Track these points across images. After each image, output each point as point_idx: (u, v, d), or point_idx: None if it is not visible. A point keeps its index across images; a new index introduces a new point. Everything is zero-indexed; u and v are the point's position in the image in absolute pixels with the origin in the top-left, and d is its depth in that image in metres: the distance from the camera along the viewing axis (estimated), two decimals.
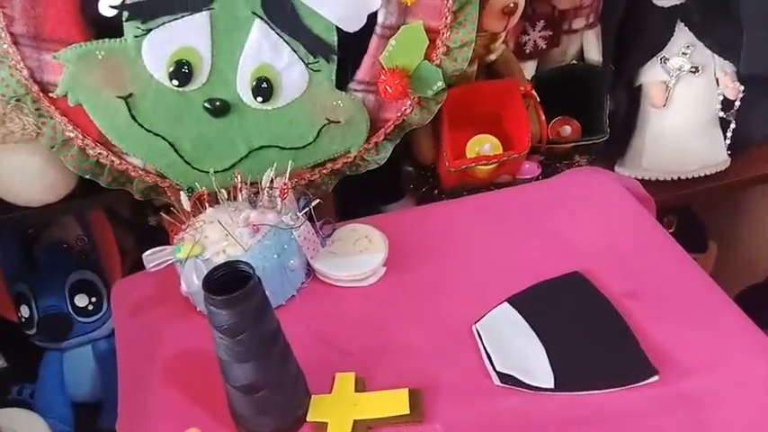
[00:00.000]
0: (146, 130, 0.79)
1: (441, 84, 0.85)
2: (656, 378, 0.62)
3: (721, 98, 1.05)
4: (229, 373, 0.57)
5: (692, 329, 0.67)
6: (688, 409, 0.60)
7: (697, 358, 0.64)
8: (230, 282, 0.54)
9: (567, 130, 1.08)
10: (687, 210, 1.35)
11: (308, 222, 0.77)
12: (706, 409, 0.60)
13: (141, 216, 1.14)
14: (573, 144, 1.05)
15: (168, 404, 0.68)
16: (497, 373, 0.65)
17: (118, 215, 1.14)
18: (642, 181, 1.05)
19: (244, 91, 0.79)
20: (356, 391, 0.65)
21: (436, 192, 1.06)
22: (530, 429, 0.60)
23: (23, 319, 1.07)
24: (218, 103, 0.79)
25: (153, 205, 1.04)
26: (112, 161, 0.81)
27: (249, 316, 0.53)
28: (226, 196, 0.76)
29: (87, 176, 0.82)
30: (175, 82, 0.76)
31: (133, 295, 0.85)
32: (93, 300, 1.09)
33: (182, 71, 0.76)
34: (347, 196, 1.01)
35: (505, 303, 0.72)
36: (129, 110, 0.77)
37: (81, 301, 1.08)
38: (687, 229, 1.30)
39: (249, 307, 0.53)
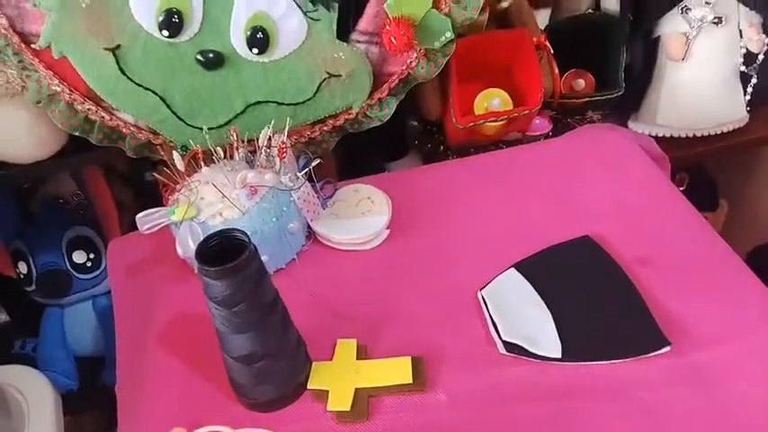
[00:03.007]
0: (135, 83, 0.74)
1: (449, 34, 0.80)
2: (667, 349, 0.60)
3: (744, 51, 0.99)
4: (227, 343, 0.55)
5: (706, 298, 0.65)
6: (700, 382, 0.58)
7: (711, 328, 0.62)
8: (226, 250, 0.52)
9: (581, 83, 1.03)
10: (699, 166, 1.31)
11: (308, 183, 0.74)
12: (719, 381, 0.58)
13: (139, 171, 1.11)
14: (586, 99, 1.00)
15: (167, 369, 0.67)
16: (503, 341, 0.63)
17: (114, 170, 1.11)
18: (656, 137, 1.02)
19: (238, 42, 0.75)
20: (358, 358, 0.63)
21: (442, 148, 1.02)
22: (536, 399, 0.59)
23: (22, 276, 1.05)
24: (211, 55, 0.74)
25: (150, 160, 1.01)
26: (102, 117, 0.77)
27: (245, 286, 0.51)
28: (222, 155, 0.72)
29: (77, 133, 0.78)
30: (165, 32, 0.72)
31: (130, 255, 0.83)
32: (92, 256, 1.07)
33: (172, 21, 0.71)
34: (349, 154, 0.98)
35: (512, 269, 0.70)
36: (118, 62, 0.73)
37: (79, 257, 1.06)
38: (698, 187, 1.26)
39: (245, 277, 0.50)
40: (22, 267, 1.04)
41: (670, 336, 0.61)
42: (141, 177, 1.10)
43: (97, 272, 1.07)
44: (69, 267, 1.04)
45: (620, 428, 0.56)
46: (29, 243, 1.05)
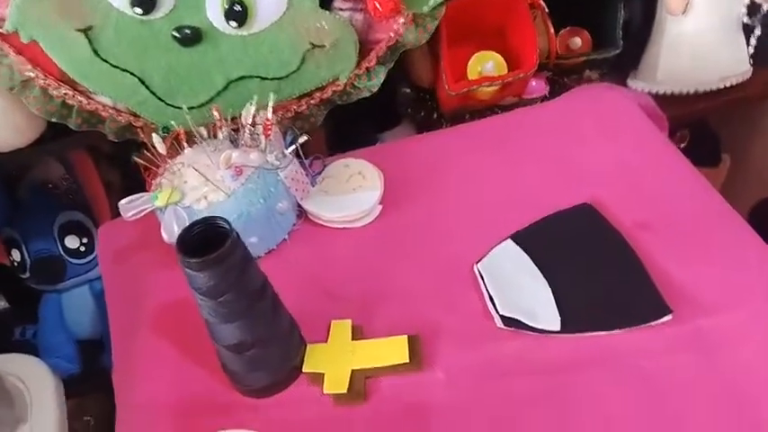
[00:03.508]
0: (111, 65, 0.71)
1: None
2: (669, 317, 0.59)
3: (747, 1, 0.95)
4: (216, 333, 0.54)
5: (708, 262, 0.63)
6: (702, 350, 0.57)
7: (713, 294, 0.60)
8: (209, 238, 0.50)
9: (578, 42, 0.99)
10: (701, 121, 1.28)
11: (295, 160, 0.72)
12: (721, 349, 0.56)
13: (125, 151, 1.09)
14: (583, 58, 0.97)
15: (159, 354, 0.66)
16: (500, 316, 0.61)
17: (100, 151, 1.09)
18: (657, 95, 0.98)
19: (215, 15, 0.71)
20: (353, 339, 0.62)
21: (436, 116, 0.99)
22: (535, 373, 0.58)
23: (16, 264, 1.04)
24: (187, 32, 0.71)
25: (136, 141, 0.98)
26: (80, 101, 0.74)
27: (230, 276, 0.49)
28: (205, 135, 0.70)
29: (54, 119, 0.76)
30: (138, 10, 0.68)
31: (119, 240, 0.82)
32: (85, 241, 1.06)
33: None
34: (338, 126, 0.95)
35: (509, 240, 0.68)
36: (91, 44, 0.70)
37: (72, 242, 1.05)
38: (700, 142, 1.23)
39: (229, 267, 0.49)
40: (16, 255, 1.03)
41: (671, 303, 0.59)
42: (128, 157, 1.08)
43: (91, 256, 1.06)
44: (63, 253, 1.03)
45: (621, 399, 0.55)
46: (20, 230, 1.03)
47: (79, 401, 1.12)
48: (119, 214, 0.69)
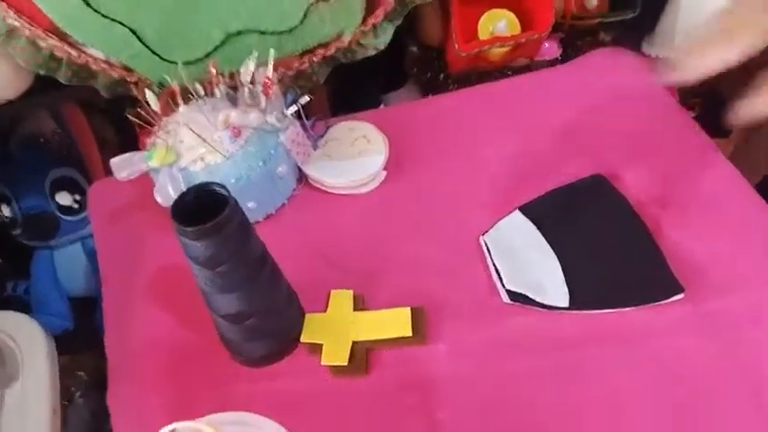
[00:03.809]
0: (101, 15, 0.67)
1: None
2: (681, 296, 0.57)
3: None
4: (213, 303, 0.52)
5: (723, 241, 0.61)
6: (713, 331, 0.55)
7: (726, 273, 0.58)
8: (205, 204, 0.47)
9: (593, 2, 0.94)
10: (713, 91, 1.24)
11: (296, 122, 0.68)
12: (733, 331, 0.55)
13: (119, 106, 1.05)
14: (599, 20, 0.92)
15: (155, 321, 0.65)
16: (507, 291, 0.59)
17: (93, 105, 1.05)
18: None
19: None
20: (355, 309, 0.60)
21: (443, 76, 0.95)
22: (542, 350, 0.56)
23: (7, 219, 1.01)
24: None
25: (130, 96, 0.94)
26: (69, 54, 0.70)
27: (228, 245, 0.47)
28: (201, 92, 0.66)
29: (42, 72, 0.71)
30: None
31: (112, 199, 0.79)
32: (78, 198, 1.03)
33: None
34: (341, 85, 0.91)
35: (517, 212, 0.65)
36: None
37: (64, 199, 1.02)
38: (712, 112, 1.20)
39: (227, 236, 0.46)
40: (6, 211, 1.01)
41: (683, 281, 0.57)
42: (122, 113, 1.04)
43: (84, 214, 1.03)
44: (55, 210, 1.01)
45: (629, 379, 0.54)
46: (10, 185, 1.00)
47: (72, 358, 1.11)
48: (111, 172, 0.66)
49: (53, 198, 1.00)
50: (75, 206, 1.03)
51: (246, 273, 0.49)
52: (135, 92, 0.67)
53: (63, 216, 1.02)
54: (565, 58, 0.92)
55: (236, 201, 0.46)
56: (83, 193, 1.03)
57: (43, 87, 0.80)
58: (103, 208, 0.78)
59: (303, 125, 0.70)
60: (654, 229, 0.62)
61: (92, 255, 1.07)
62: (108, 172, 1.00)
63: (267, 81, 0.65)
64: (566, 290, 0.59)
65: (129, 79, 0.74)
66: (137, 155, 0.64)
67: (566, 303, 0.58)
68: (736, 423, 0.50)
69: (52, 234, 1.02)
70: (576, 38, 0.96)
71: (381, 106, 1.01)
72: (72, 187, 1.03)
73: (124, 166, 0.63)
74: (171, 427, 0.35)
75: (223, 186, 0.47)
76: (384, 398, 0.55)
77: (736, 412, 0.50)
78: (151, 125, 0.65)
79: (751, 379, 0.52)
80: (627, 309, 0.57)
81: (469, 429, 0.52)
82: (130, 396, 0.59)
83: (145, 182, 0.67)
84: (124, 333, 0.64)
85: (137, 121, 0.65)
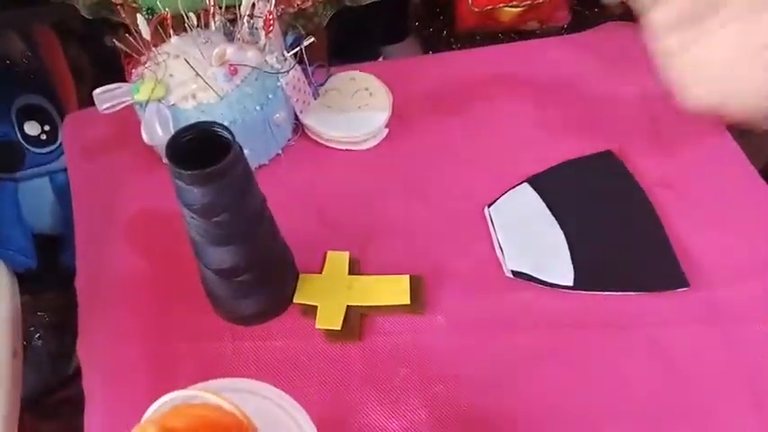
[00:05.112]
0: None
1: None
2: (686, 289, 0.55)
3: None
4: (204, 255, 0.47)
5: (730, 230, 0.59)
6: (717, 322, 0.54)
7: (732, 264, 0.57)
8: (203, 146, 0.42)
9: None
10: None
11: (298, 66, 0.63)
12: (737, 322, 0.54)
13: (98, 32, 0.97)
14: None
15: (133, 270, 0.60)
16: (509, 267, 0.57)
17: (69, 30, 0.97)
18: None
19: None
20: (350, 273, 0.57)
21: (445, 33, 0.90)
22: (542, 328, 0.54)
23: None
24: None
25: (110, 22, 0.87)
26: None
27: (228, 194, 0.42)
28: (195, 22, 0.60)
29: None
30: None
31: (89, 134, 0.73)
32: (47, 128, 0.96)
33: None
34: (340, 32, 0.85)
35: (525, 184, 0.63)
36: None
37: (32, 129, 0.95)
38: None
39: (228, 184, 0.42)
40: None
41: (688, 270, 0.56)
42: (101, 40, 0.96)
43: (53, 146, 0.96)
44: (21, 140, 0.93)
45: (627, 363, 0.53)
46: None
47: (35, 297, 1.06)
48: (86, 104, 0.60)
49: (20, 127, 0.93)
50: (44, 137, 0.95)
51: (245, 226, 0.45)
52: (122, 15, 0.61)
53: (30, 147, 0.95)
54: (571, 27, 0.89)
55: (240, 146, 0.42)
56: (53, 123, 0.96)
57: (14, 2, 0.72)
58: (79, 142, 0.72)
59: (304, 70, 0.65)
60: (660, 212, 0.60)
61: (60, 191, 1.01)
62: (82, 104, 0.93)
63: (268, 15, 0.59)
64: (571, 268, 0.57)
65: (114, 0, 0.67)
66: (122, 86, 0.58)
67: (570, 282, 0.56)
68: (730, 412, 0.49)
69: (17, 165, 0.95)
70: (584, 7, 0.92)
71: (381, 59, 0.96)
72: (41, 117, 0.95)
73: (107, 97, 0.58)
74: (171, 395, 0.31)
75: (227, 128, 0.42)
76: (377, 366, 0.52)
77: (733, 402, 0.50)
78: (139, 54, 0.59)
79: (748, 370, 0.51)
80: (630, 293, 0.56)
81: (465, 404, 0.50)
82: (103, 347, 0.55)
83: (124, 117, 0.62)
84: (98, 278, 0.60)
85: (123, 47, 0.59)
